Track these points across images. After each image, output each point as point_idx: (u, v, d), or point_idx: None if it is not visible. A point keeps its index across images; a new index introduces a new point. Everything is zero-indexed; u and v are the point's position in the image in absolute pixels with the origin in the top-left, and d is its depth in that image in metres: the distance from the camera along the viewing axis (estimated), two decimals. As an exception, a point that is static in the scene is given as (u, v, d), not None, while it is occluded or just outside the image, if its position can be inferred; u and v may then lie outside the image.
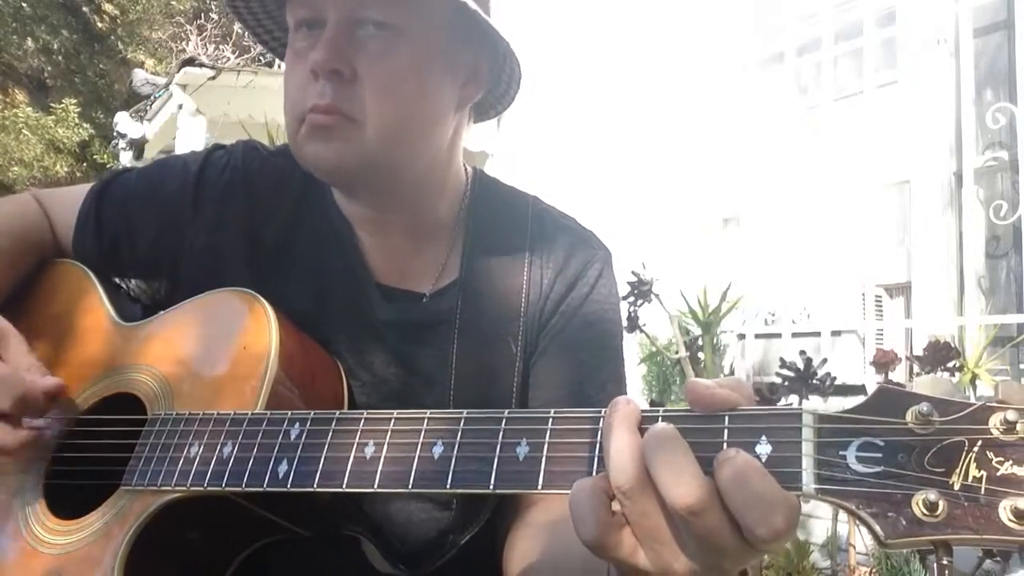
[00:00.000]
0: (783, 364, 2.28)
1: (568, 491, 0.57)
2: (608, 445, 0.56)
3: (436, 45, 0.91)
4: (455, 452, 0.64)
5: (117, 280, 1.07)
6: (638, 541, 0.55)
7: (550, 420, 0.62)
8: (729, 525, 0.52)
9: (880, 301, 3.33)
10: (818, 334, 3.38)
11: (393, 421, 0.68)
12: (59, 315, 1.02)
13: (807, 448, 0.53)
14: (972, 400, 0.50)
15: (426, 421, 0.67)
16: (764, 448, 0.54)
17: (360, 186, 0.94)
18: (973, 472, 0.48)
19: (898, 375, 2.99)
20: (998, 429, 0.49)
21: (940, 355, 2.23)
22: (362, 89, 0.86)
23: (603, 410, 0.60)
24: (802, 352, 2.34)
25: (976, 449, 0.49)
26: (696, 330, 2.96)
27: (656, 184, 3.98)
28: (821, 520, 2.79)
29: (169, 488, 0.77)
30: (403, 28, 0.87)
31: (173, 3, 12.58)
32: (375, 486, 0.66)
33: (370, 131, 0.87)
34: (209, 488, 0.74)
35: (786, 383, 2.25)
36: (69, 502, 0.86)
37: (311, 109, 0.86)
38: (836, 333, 3.39)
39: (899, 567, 2.23)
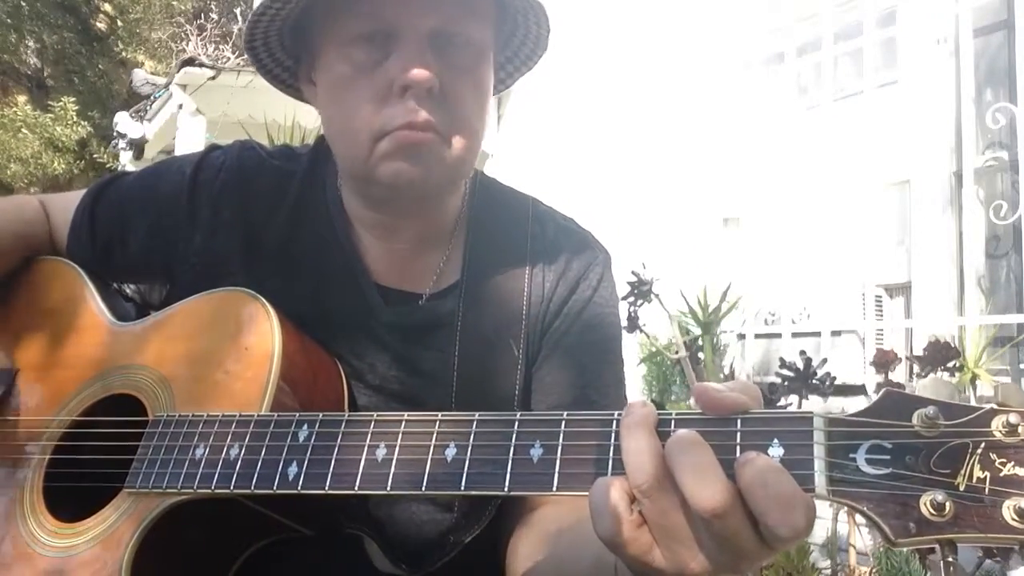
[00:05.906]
0: (783, 364, 2.28)
1: (583, 493, 0.58)
2: (627, 446, 0.57)
3: (490, 51, 0.91)
4: (468, 454, 0.64)
5: (112, 283, 1.06)
6: (655, 540, 0.56)
7: (563, 423, 0.62)
8: (750, 527, 0.53)
9: (880, 301, 3.34)
10: (818, 334, 3.38)
11: (404, 423, 0.68)
12: (50, 313, 1.01)
13: (819, 451, 0.54)
14: (972, 402, 0.51)
15: (438, 423, 0.67)
16: (777, 451, 0.55)
17: (421, 200, 0.92)
18: (977, 473, 0.50)
19: (898, 375, 3.00)
20: (1000, 432, 0.50)
21: (940, 355, 2.23)
22: (449, 105, 0.85)
23: (616, 413, 0.60)
24: (802, 352, 2.34)
25: (980, 451, 0.50)
26: (696, 330, 2.97)
27: (656, 184, 3.99)
28: (821, 520, 2.79)
29: (175, 491, 0.76)
30: (473, 38, 0.87)
31: (173, 3, 12.56)
32: (388, 488, 0.66)
33: (455, 147, 0.87)
34: (217, 491, 0.74)
35: (786, 383, 2.25)
36: (68, 504, 0.85)
37: (404, 126, 0.83)
38: (836, 333, 3.39)
39: (899, 567, 2.23)
